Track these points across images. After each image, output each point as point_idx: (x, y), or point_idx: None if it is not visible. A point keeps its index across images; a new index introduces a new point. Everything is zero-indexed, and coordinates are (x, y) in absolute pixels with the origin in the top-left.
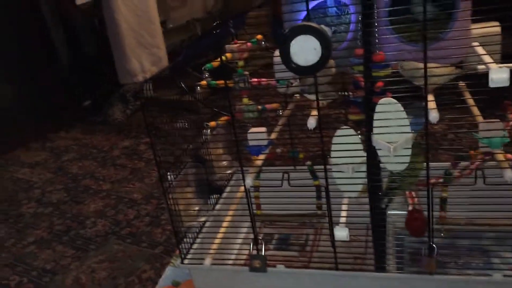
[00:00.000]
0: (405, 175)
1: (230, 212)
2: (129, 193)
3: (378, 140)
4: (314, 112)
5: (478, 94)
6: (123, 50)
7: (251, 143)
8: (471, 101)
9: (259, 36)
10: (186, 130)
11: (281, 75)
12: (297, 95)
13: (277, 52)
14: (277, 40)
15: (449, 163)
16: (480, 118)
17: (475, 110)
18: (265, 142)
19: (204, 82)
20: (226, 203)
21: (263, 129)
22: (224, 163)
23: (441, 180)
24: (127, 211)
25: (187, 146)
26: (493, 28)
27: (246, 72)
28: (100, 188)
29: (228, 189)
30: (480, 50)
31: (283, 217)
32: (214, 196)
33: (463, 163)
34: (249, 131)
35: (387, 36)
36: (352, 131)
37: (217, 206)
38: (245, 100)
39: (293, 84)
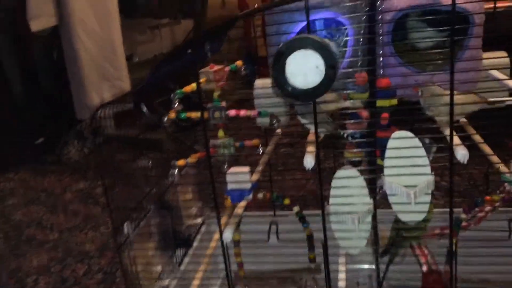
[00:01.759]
0: (413, 226)
1: (200, 273)
2: (80, 244)
3: (392, 184)
4: (311, 148)
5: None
6: (82, 81)
7: (230, 186)
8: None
9: (239, 62)
10: (150, 170)
11: (262, 105)
12: (279, 130)
13: (258, 81)
14: (251, 77)
15: (461, 209)
16: (495, 158)
17: (487, 149)
18: (248, 185)
19: (172, 113)
20: (194, 260)
21: (246, 168)
22: (194, 210)
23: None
24: (76, 266)
25: (150, 189)
26: (503, 59)
27: (223, 103)
28: (46, 238)
29: (197, 242)
30: (501, 76)
31: (267, 274)
32: (181, 250)
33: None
34: (228, 172)
35: (389, 55)
36: (355, 172)
37: (184, 264)
38: (221, 135)
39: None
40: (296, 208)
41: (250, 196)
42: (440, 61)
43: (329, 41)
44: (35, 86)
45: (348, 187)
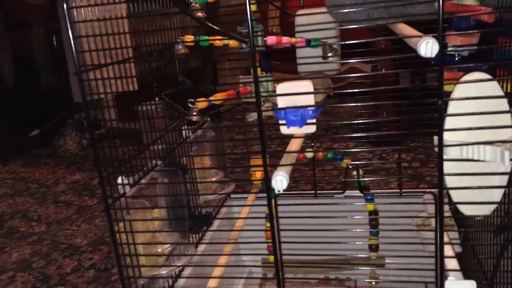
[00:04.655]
0: None
1: (223, 258)
2: (70, 238)
3: None
4: (408, 29)
5: None
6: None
7: (284, 103)
8: None
9: None
10: (157, 113)
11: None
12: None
13: (301, 12)
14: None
15: None
16: None
17: None
18: (311, 100)
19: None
20: (215, 241)
21: (306, 82)
22: (213, 178)
23: None
24: (63, 262)
25: (156, 136)
26: None
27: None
28: (31, 230)
29: (218, 221)
30: None
31: (311, 264)
32: (199, 230)
33: None
34: (279, 85)
35: None
36: (487, 76)
37: (202, 246)
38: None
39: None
40: (358, 173)
41: (315, 120)
42: None
43: None
44: (31, 75)
45: (478, 102)
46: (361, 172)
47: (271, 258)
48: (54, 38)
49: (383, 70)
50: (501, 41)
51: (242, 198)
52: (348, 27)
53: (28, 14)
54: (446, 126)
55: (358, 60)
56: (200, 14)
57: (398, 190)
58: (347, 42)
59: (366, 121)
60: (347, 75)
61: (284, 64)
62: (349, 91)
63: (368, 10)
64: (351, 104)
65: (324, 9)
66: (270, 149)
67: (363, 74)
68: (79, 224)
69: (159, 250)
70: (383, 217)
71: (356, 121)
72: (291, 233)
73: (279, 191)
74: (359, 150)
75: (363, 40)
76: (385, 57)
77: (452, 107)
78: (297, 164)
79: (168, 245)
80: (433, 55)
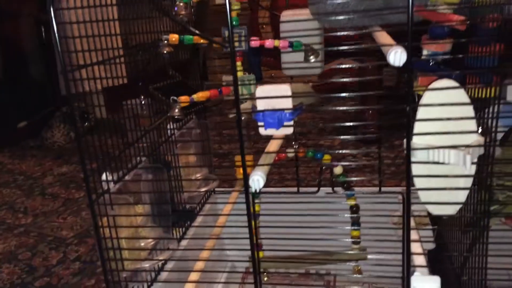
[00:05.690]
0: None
1: (205, 252)
2: (56, 230)
3: None
4: (387, 39)
5: None
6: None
7: (262, 106)
8: None
9: None
10: (143, 110)
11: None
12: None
13: (286, 13)
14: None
15: None
16: None
17: None
18: (289, 104)
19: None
20: (198, 236)
21: (285, 86)
22: (198, 175)
23: None
24: (49, 254)
25: (141, 133)
26: None
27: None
28: (18, 222)
29: (203, 215)
30: None
31: (294, 259)
32: (182, 225)
33: None
34: (258, 88)
35: None
36: (455, 83)
37: (185, 241)
38: (239, 68)
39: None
40: (339, 169)
41: (292, 122)
42: None
43: None
44: (19, 66)
45: (445, 107)
46: (339, 170)
47: (261, 254)
48: (43, 29)
49: (369, 67)
50: (471, 49)
51: (226, 194)
52: (332, 34)
53: (18, 5)
54: (415, 130)
55: (342, 66)
56: (183, 12)
57: (377, 188)
58: (330, 49)
59: (346, 124)
60: (333, 80)
61: (275, 59)
62: (333, 95)
63: (350, 17)
64: (331, 108)
65: (308, 12)
66: (258, 144)
67: (347, 79)
68: (65, 217)
69: (142, 244)
70: (362, 216)
71: (337, 124)
72: (272, 229)
73: (256, 190)
74: (335, 151)
75: (346, 48)
76: (367, 63)
77: (421, 112)
78: (277, 164)
79: (151, 240)
80: (401, 64)
